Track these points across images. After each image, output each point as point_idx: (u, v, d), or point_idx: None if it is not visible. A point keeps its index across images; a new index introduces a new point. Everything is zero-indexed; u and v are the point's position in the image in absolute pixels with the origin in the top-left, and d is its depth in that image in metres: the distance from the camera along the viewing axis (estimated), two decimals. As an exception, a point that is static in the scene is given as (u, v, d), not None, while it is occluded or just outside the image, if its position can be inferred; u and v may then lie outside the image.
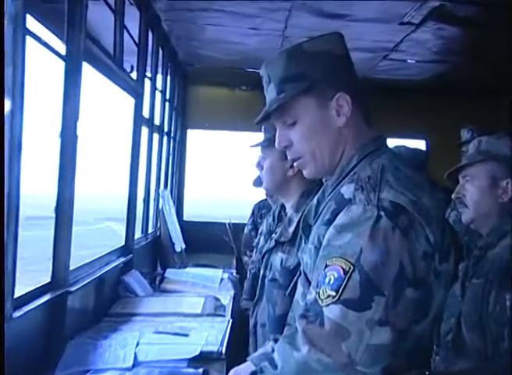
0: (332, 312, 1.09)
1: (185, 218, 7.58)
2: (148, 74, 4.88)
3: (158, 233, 5.59)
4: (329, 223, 1.21)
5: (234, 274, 5.20)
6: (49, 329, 2.52)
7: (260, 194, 4.51)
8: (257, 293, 2.38)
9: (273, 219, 2.46)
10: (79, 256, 3.25)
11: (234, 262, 5.91)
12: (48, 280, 2.65)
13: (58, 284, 2.65)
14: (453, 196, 2.27)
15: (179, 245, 5.68)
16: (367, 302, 1.07)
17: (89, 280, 3.04)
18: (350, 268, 1.10)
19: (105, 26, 3.83)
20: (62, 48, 2.64)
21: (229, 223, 6.59)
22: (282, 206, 2.45)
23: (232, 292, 4.31)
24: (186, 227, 6.58)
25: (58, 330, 2.60)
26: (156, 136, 5.46)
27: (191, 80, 7.40)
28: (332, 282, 1.11)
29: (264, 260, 2.35)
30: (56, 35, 2.69)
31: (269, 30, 4.92)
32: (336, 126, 1.33)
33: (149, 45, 4.66)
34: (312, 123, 1.33)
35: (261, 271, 2.36)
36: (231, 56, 6.00)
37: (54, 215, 2.72)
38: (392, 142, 4.25)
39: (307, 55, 1.32)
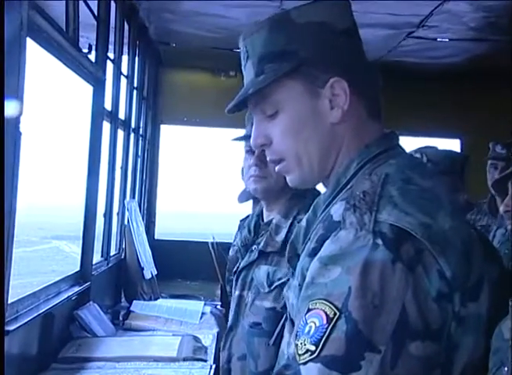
0: (309, 372, 1.01)
1: (157, 236, 7.56)
2: (111, 55, 4.86)
3: (123, 256, 5.55)
4: (314, 253, 1.13)
5: (218, 307, 5.18)
6: (-20, 379, 2.48)
7: (249, 207, 4.48)
8: (231, 320, 2.43)
9: (249, 232, 2.52)
10: (19, 285, 3.22)
11: (219, 291, 5.88)
12: (-20, 316, 2.61)
13: (-8, 322, 2.61)
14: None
15: (150, 271, 5.64)
16: (355, 361, 0.98)
17: (32, 316, 3.00)
18: (334, 314, 1.02)
19: (56, -7, 3.81)
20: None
21: (212, 243, 6.56)
22: (258, 216, 2.54)
23: (215, 330, 4.28)
24: (159, 248, 6.55)
25: (-8, 380, 2.56)
26: (121, 133, 5.44)
27: (165, 62, 7.40)
28: (312, 332, 1.03)
29: (240, 278, 2.41)
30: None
31: (263, 0, 4.92)
32: (329, 121, 1.26)
33: (111, 18, 4.64)
34: (298, 116, 1.26)
35: (237, 292, 2.42)
36: (215, 33, 6.00)
37: (-12, 233, 2.69)
38: (419, 142, 4.24)
39: (295, 27, 1.25)
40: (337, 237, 1.08)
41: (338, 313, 1.01)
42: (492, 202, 4.30)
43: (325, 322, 1.01)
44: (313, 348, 1.01)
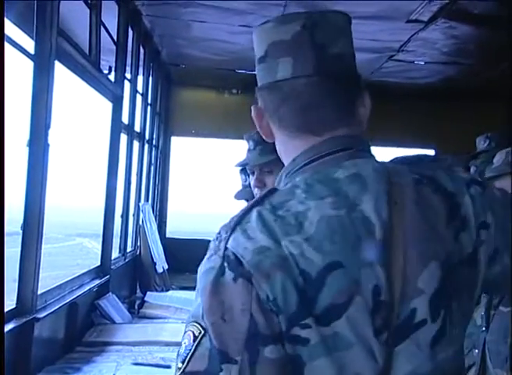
0: None
1: (168, 235, 7.54)
2: (128, 75, 4.86)
3: (138, 252, 5.54)
4: None
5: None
6: (13, 361, 2.47)
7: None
8: None
9: None
10: (48, 277, 3.22)
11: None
12: (13, 305, 2.61)
13: (24, 310, 2.61)
14: None
15: (162, 265, 5.63)
16: (213, 374, 0.96)
17: (59, 306, 3.00)
18: (200, 333, 0.98)
19: (80, 22, 3.82)
20: (30, 46, 2.63)
21: (216, 241, 6.54)
22: None
23: (219, 318, 4.28)
24: (169, 245, 6.54)
25: (24, 362, 2.55)
26: (136, 144, 5.44)
27: (175, 82, 7.39)
28: (182, 351, 1.00)
29: None
30: (24, 31, 2.68)
31: (262, 27, 4.93)
32: None
33: (129, 43, 4.65)
34: None
35: None
36: (220, 56, 6.00)
37: (20, 231, 2.69)
38: (399, 152, 4.26)
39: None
40: (202, 262, 1.05)
41: (203, 331, 0.98)
42: None
43: (191, 341, 0.99)
44: (180, 365, 0.98)
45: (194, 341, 0.97)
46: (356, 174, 1.07)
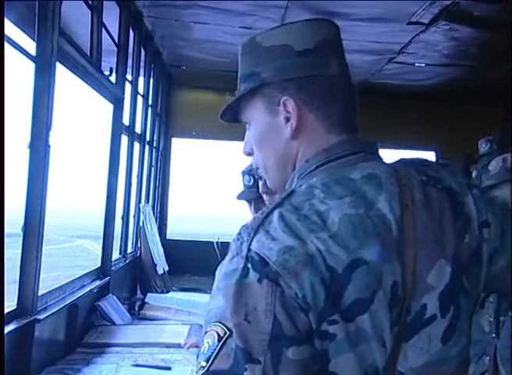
0: None
1: (168, 236, 7.54)
2: (129, 77, 4.86)
3: (138, 254, 5.54)
4: None
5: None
6: (13, 362, 2.47)
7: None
8: None
9: None
10: (48, 279, 3.22)
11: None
12: (14, 306, 2.61)
13: (24, 311, 2.60)
14: None
15: (162, 267, 5.63)
16: (238, 373, 0.97)
17: (60, 307, 3.00)
18: (225, 333, 0.99)
19: (81, 23, 3.82)
20: (31, 47, 2.63)
21: (217, 242, 6.56)
22: None
23: (220, 320, 4.28)
24: (170, 247, 6.54)
25: (24, 363, 2.55)
26: (137, 145, 5.44)
27: (176, 83, 7.40)
28: (205, 350, 1.01)
29: None
30: (25, 32, 2.68)
31: (263, 29, 4.90)
32: (284, 136, 1.18)
33: (130, 45, 4.65)
34: (261, 130, 1.22)
35: None
36: (220, 58, 6.01)
37: (21, 232, 2.69)
38: (399, 154, 4.26)
39: (260, 50, 1.22)
40: (222, 263, 1.06)
41: (228, 332, 0.99)
42: None
43: (216, 341, 0.99)
44: (204, 363, 1.00)
45: (219, 340, 0.98)
46: (371, 175, 1.09)
